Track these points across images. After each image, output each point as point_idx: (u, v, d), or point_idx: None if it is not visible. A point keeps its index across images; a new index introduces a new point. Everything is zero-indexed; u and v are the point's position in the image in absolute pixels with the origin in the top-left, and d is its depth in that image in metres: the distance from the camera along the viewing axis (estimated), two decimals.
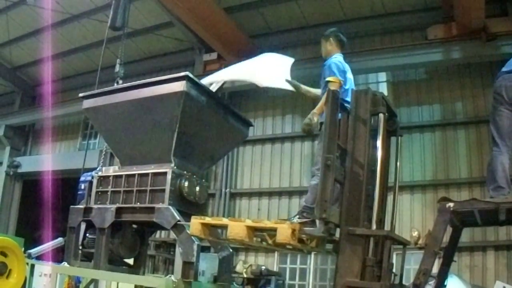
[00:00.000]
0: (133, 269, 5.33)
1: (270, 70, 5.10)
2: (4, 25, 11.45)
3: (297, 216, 4.03)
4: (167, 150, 4.69)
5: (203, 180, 5.07)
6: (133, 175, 4.84)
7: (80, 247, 5.08)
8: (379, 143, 3.70)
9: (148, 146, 4.89)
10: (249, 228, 3.60)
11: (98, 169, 5.30)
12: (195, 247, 4.21)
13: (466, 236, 7.21)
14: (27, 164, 13.79)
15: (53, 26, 11.15)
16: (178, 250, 4.62)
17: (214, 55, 10.29)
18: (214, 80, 5.34)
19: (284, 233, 3.37)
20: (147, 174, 4.74)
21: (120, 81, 6.17)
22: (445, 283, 4.10)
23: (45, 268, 6.89)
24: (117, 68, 6.32)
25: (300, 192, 9.15)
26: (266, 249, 7.25)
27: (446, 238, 3.73)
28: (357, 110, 3.74)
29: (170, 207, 4.49)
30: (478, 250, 7.68)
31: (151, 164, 4.78)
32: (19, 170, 13.87)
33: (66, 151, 13.49)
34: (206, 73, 6.30)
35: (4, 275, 5.51)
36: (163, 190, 4.58)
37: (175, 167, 4.64)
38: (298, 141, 9.88)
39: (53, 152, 13.51)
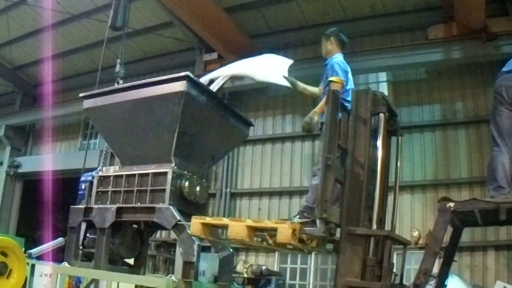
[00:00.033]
0: (134, 269, 5.33)
1: (268, 67, 5.14)
2: (4, 25, 11.44)
3: (298, 216, 4.04)
4: (168, 150, 4.70)
5: (204, 180, 5.07)
6: (134, 175, 4.85)
7: (81, 247, 5.10)
8: (379, 143, 3.70)
9: (149, 146, 4.89)
10: (250, 228, 3.60)
11: (98, 169, 5.31)
12: (195, 247, 4.21)
13: (467, 236, 7.20)
14: (27, 164, 13.76)
15: (53, 26, 11.14)
16: (179, 250, 4.62)
17: (214, 55, 10.25)
18: (212, 77, 5.36)
19: (284, 233, 3.37)
20: (147, 174, 4.74)
21: (121, 81, 6.17)
22: (446, 283, 4.10)
23: (45, 268, 6.87)
24: (118, 68, 6.33)
25: (301, 192, 9.13)
26: (266, 249, 7.26)
27: (446, 238, 3.73)
28: (357, 110, 3.74)
29: (171, 207, 4.49)
30: (479, 250, 7.66)
31: (152, 164, 4.78)
32: (20, 170, 13.83)
33: (67, 151, 13.46)
34: (206, 73, 6.29)
35: (4, 275, 5.50)
36: (164, 190, 4.59)
37: (175, 167, 4.65)
38: (299, 141, 9.86)
39: (54, 152, 13.48)
